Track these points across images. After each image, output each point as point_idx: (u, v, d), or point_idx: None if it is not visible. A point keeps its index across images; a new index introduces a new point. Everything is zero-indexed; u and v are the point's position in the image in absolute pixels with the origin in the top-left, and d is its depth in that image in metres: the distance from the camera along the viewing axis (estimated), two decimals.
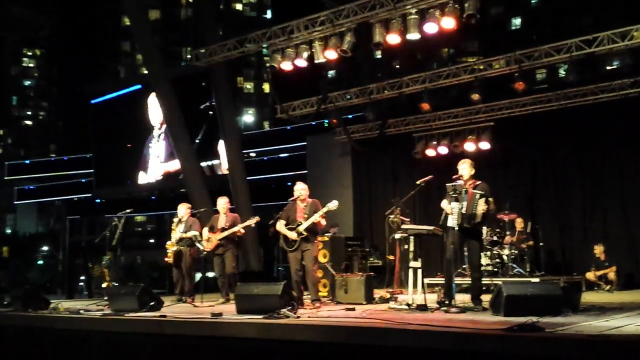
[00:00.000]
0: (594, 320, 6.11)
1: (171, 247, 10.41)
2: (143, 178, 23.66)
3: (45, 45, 79.18)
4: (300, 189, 8.84)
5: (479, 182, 8.04)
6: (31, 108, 79.84)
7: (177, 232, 10.48)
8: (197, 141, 20.79)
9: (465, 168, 8.05)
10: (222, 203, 10.35)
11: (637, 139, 13.34)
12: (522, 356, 4.83)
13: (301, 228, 8.53)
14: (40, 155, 57.31)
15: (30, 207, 55.92)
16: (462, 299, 8.09)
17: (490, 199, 7.88)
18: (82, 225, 36.94)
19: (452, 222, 7.70)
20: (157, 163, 23.02)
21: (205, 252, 10.17)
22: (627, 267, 12.83)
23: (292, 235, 8.58)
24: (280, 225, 8.76)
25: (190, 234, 10.26)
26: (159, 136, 23.05)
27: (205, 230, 10.18)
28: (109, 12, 65.76)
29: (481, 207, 7.69)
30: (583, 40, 11.99)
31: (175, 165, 21.32)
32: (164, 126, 22.17)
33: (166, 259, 10.58)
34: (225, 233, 9.96)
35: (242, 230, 10.08)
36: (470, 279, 8.30)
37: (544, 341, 4.84)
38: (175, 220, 10.74)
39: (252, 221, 9.89)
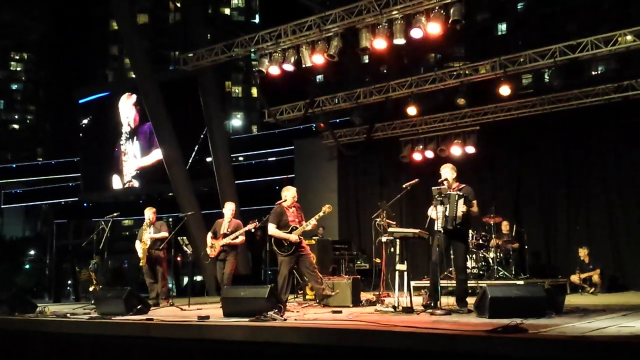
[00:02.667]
0: (577, 322, 6.18)
1: (143, 251, 10.41)
2: (118, 182, 23.72)
3: (33, 49, 78.70)
4: (293, 196, 8.88)
5: (462, 186, 8.15)
6: (18, 112, 79.31)
7: (146, 234, 10.56)
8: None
9: (447, 172, 8.14)
10: (230, 208, 10.32)
11: (621, 143, 13.54)
12: (506, 357, 4.88)
13: (299, 231, 8.60)
14: (28, 159, 56.95)
15: (18, 211, 55.49)
16: (448, 301, 8.16)
17: (474, 201, 7.98)
18: (69, 229, 36.73)
19: (437, 225, 7.81)
20: (135, 163, 23.12)
21: (209, 260, 10.23)
22: (611, 269, 13.00)
23: (294, 238, 8.64)
24: (273, 229, 8.77)
25: (147, 236, 10.36)
26: (128, 138, 23.18)
27: (209, 236, 10.19)
28: (98, 16, 65.56)
29: (460, 208, 7.79)
30: (567, 45, 12.13)
31: (148, 159, 21.42)
32: (131, 126, 22.40)
33: (141, 263, 10.57)
34: (227, 240, 9.92)
35: (242, 238, 10.03)
36: (454, 283, 8.38)
37: (528, 342, 4.89)
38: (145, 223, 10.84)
39: (251, 226, 9.88)
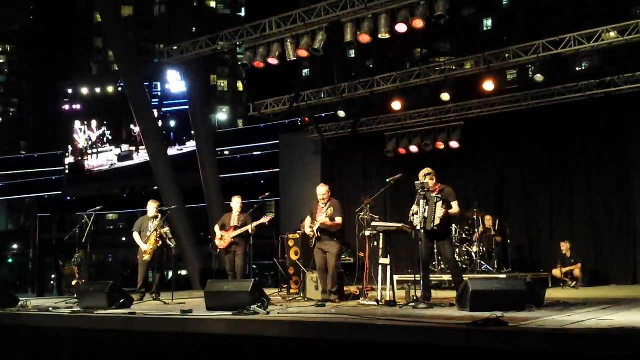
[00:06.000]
0: (556, 315, 6.24)
1: (155, 244, 10.28)
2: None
3: (16, 41, 77.88)
4: (320, 192, 9.00)
5: (443, 187, 8.21)
6: (1, 104, 78.50)
7: (152, 228, 10.39)
8: None
9: (425, 180, 8.14)
10: (237, 202, 10.34)
11: (603, 139, 13.65)
12: (486, 350, 4.93)
13: (314, 228, 8.80)
14: (11, 152, 56.46)
15: (0, 205, 55.01)
16: (436, 295, 8.26)
17: (454, 202, 8.04)
18: (52, 222, 36.49)
19: (418, 226, 7.93)
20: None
21: (218, 250, 10.25)
22: (592, 264, 13.12)
23: (309, 232, 8.98)
24: (305, 223, 9.13)
25: (163, 230, 10.24)
26: None
27: (217, 228, 10.21)
28: (81, 8, 64.98)
29: (439, 211, 7.85)
30: (550, 41, 12.19)
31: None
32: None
33: (145, 257, 10.38)
34: (239, 231, 9.96)
35: (254, 230, 9.95)
36: (438, 276, 8.46)
37: (507, 335, 4.95)
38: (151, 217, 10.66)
39: (265, 220, 9.93)
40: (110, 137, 27.53)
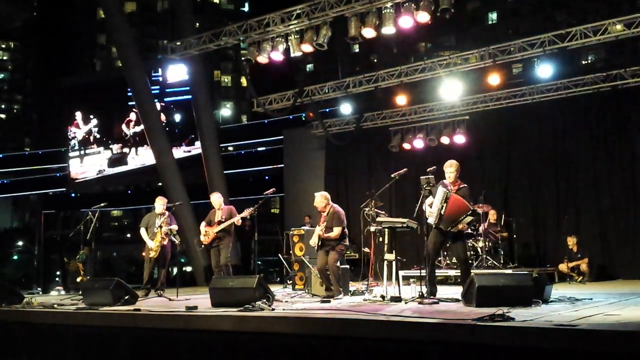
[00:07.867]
0: (563, 311, 6.20)
1: (159, 242, 10.26)
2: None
3: (20, 38, 77.95)
4: (316, 203, 9.05)
5: (463, 186, 8.00)
6: (5, 101, 78.61)
7: (159, 225, 10.38)
8: None
9: (452, 172, 7.97)
10: (215, 199, 10.36)
11: (609, 133, 13.56)
12: (493, 345, 4.90)
13: (315, 240, 8.94)
14: (15, 149, 56.49)
15: (5, 202, 55.12)
16: (440, 290, 8.20)
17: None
18: (57, 219, 36.52)
19: (431, 220, 7.81)
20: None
21: (202, 246, 10.26)
22: (599, 258, 13.05)
23: (312, 244, 9.07)
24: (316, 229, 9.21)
25: (165, 228, 10.24)
26: None
27: (202, 225, 10.23)
28: (84, 4, 64.94)
29: (462, 225, 7.73)
30: (556, 34, 12.12)
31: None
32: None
33: (152, 254, 10.35)
34: (222, 225, 9.97)
35: (239, 221, 10.00)
36: (444, 271, 8.39)
37: (514, 331, 4.91)
38: (158, 214, 10.64)
39: (247, 212, 9.89)
40: (98, 136, 24.41)
